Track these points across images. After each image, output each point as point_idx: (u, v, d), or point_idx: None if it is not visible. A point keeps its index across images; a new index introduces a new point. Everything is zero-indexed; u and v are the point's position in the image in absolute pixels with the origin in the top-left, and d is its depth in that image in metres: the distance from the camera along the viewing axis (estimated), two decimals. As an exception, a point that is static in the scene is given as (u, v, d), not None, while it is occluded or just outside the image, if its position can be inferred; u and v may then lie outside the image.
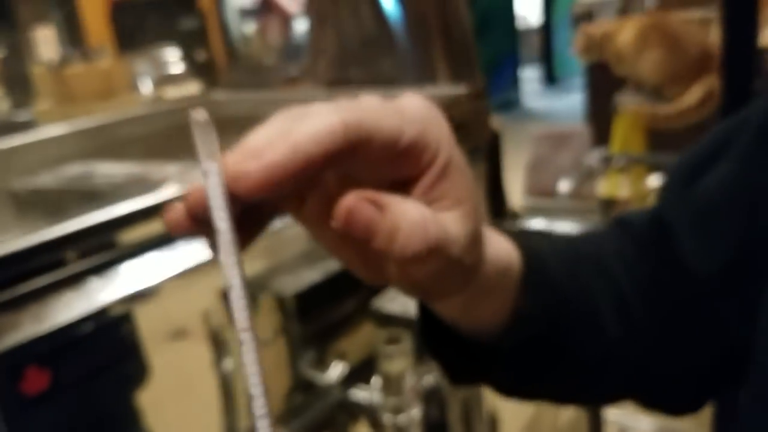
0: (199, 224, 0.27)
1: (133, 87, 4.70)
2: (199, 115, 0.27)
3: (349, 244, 0.32)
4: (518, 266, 0.38)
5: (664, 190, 0.47)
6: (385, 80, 1.33)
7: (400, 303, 0.92)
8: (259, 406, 0.25)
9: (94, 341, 0.61)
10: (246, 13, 6.86)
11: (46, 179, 1.01)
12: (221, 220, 0.26)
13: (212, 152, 0.27)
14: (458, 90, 1.16)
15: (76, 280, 0.63)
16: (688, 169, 0.45)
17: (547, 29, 7.18)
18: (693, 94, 1.88)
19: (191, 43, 6.01)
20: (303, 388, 0.94)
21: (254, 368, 0.25)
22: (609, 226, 0.48)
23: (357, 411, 0.91)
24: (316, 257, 0.95)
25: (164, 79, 5.12)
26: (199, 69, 5.41)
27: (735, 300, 0.41)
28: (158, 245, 0.77)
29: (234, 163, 0.26)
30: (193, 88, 5.06)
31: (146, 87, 4.91)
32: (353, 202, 0.26)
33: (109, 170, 0.98)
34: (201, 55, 6.13)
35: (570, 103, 5.89)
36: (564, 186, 1.91)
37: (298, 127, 0.26)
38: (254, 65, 6.07)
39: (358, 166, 0.28)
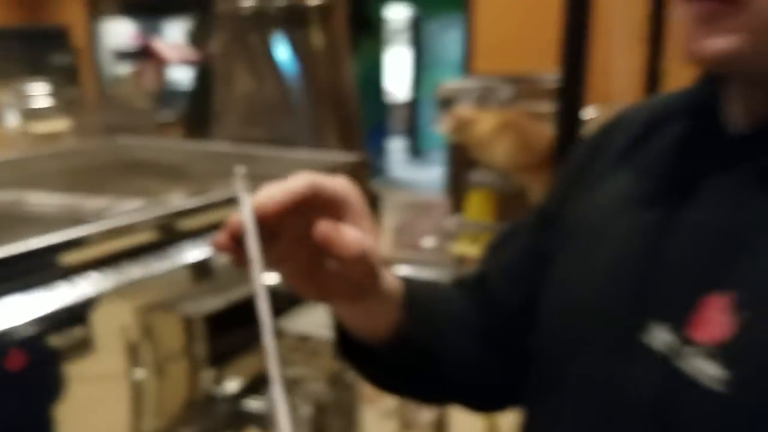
0: (235, 243, 0.47)
1: (-1, 118, 4.51)
2: (241, 169, 0.47)
3: (301, 274, 0.52)
4: (400, 293, 0.59)
5: (486, 252, 0.71)
6: (284, 141, 1.53)
7: (298, 324, 1.10)
8: (269, 342, 0.44)
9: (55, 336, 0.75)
10: (122, 55, 6.80)
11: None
12: (250, 230, 0.47)
13: (246, 191, 0.48)
14: (348, 157, 1.39)
15: (47, 282, 0.77)
16: (501, 237, 0.70)
17: (413, 105, 7.74)
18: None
19: (62, 79, 5.87)
20: (202, 401, 1.08)
21: (267, 316, 0.44)
22: (452, 283, 0.72)
23: (248, 420, 1.06)
24: (222, 286, 1.12)
25: (31, 113, 4.96)
26: (69, 106, 5.28)
27: (531, 329, 0.63)
28: (94, 267, 0.92)
29: (258, 200, 0.47)
30: (61, 124, 4.93)
31: (12, 120, 4.73)
32: (325, 226, 0.48)
33: (40, 200, 1.10)
34: (71, 92, 5.97)
35: (432, 174, 6.36)
36: (427, 242, 2.23)
37: (287, 184, 0.48)
38: (126, 107, 5.99)
39: (314, 210, 0.49)
